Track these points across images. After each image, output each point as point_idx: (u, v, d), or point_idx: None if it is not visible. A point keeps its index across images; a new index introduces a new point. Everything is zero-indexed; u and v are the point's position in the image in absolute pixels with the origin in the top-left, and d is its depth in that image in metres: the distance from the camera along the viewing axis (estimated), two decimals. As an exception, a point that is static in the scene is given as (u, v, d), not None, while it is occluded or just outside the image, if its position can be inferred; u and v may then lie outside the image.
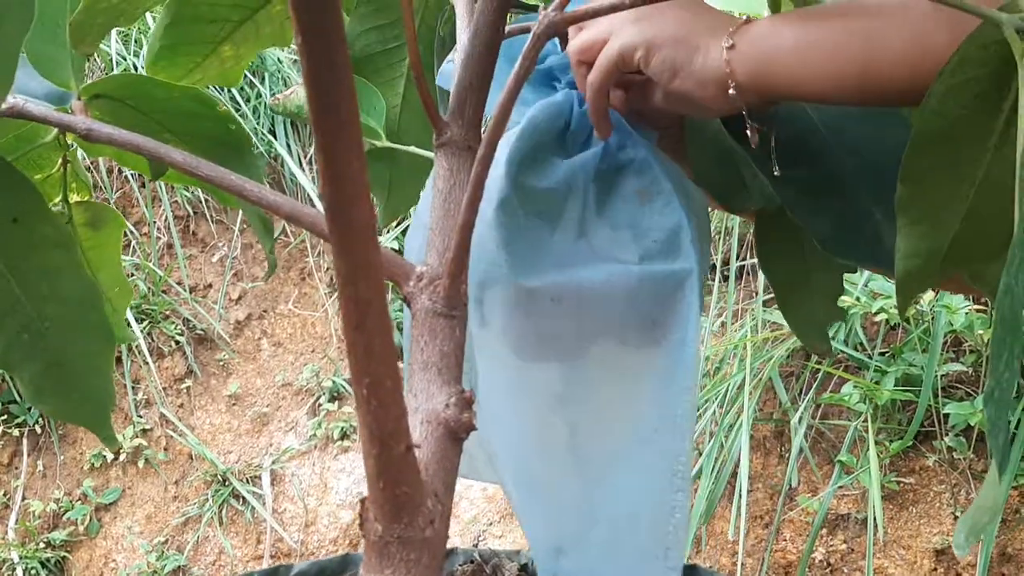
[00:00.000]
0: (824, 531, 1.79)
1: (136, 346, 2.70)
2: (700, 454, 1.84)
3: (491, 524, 2.28)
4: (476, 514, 2.29)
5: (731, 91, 0.57)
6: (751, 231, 1.17)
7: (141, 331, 2.67)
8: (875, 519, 1.62)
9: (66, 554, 2.51)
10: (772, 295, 2.05)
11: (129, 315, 2.65)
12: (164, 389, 2.73)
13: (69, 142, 0.78)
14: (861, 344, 1.87)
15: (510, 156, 0.66)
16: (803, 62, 0.55)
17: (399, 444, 0.47)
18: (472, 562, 0.83)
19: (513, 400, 0.70)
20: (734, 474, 1.82)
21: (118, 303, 0.91)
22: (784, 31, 0.56)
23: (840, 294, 0.75)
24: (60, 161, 0.79)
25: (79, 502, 2.57)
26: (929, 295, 1.68)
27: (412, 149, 0.79)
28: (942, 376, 1.73)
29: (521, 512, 0.72)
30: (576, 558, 0.68)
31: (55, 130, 0.76)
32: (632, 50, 0.60)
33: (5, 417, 2.62)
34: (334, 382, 2.71)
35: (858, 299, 1.75)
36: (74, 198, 0.83)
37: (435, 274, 0.56)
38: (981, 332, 1.67)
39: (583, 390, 0.68)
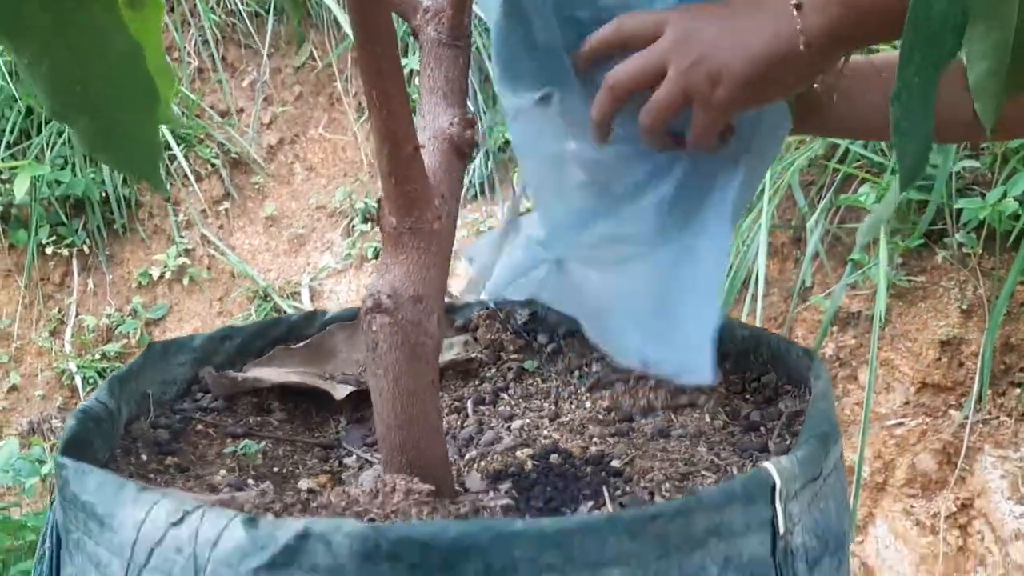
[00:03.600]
0: (835, 328, 1.87)
1: (175, 168, 2.78)
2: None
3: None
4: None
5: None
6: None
7: (180, 153, 2.75)
8: (882, 313, 1.69)
9: (120, 365, 2.67)
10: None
11: (168, 137, 2.72)
12: (203, 211, 2.82)
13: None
14: (881, 150, 1.89)
15: None
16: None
17: (407, 144, 0.53)
18: (488, 308, 0.91)
19: None
20: (747, 279, 1.88)
21: (163, 87, 0.96)
22: None
23: None
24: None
25: (129, 317, 2.72)
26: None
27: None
28: (959, 178, 1.76)
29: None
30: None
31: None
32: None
33: (54, 238, 2.74)
34: (366, 204, 2.78)
35: (877, 100, 1.76)
36: (111, -30, 0.87)
37: (439, 6, 0.61)
38: (999, 131, 1.68)
39: None
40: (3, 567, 2.05)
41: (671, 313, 0.73)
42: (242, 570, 0.43)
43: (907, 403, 1.77)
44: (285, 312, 2.65)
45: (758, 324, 1.84)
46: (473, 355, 0.85)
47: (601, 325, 0.79)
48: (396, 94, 0.53)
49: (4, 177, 2.68)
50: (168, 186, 2.80)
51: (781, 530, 0.47)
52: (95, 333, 2.71)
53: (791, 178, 1.94)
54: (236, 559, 0.43)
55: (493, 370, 0.84)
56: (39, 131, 2.73)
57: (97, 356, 2.66)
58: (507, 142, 2.58)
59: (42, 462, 2.15)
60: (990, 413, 1.70)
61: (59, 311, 2.76)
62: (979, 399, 1.69)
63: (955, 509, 1.69)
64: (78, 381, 2.62)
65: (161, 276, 2.75)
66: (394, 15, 0.57)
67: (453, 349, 0.85)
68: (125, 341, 2.69)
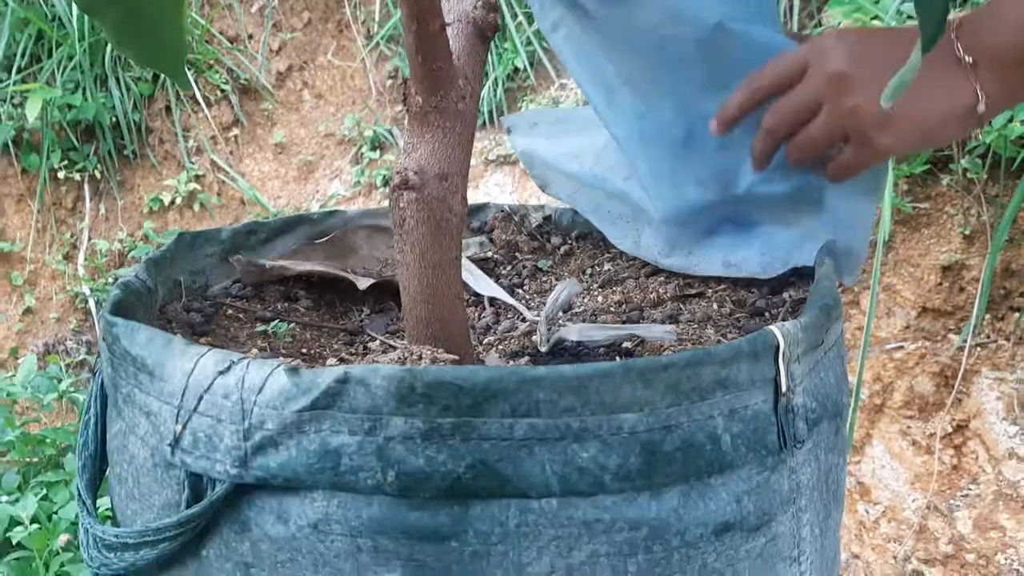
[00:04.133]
0: (839, 254, 1.89)
1: (184, 93, 2.79)
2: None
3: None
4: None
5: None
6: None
7: (190, 78, 2.75)
8: (886, 238, 1.72)
9: (134, 288, 2.71)
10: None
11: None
12: (213, 137, 2.84)
13: None
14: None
15: None
16: None
17: (434, 21, 0.55)
18: (503, 211, 0.94)
19: None
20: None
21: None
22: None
23: None
24: None
25: (141, 242, 2.75)
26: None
27: None
28: (966, 105, 1.77)
29: None
30: None
31: None
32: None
33: (66, 163, 2.76)
34: (375, 132, 2.79)
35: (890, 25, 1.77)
36: None
37: None
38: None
39: None
40: (23, 480, 2.11)
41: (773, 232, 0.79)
42: (286, 412, 0.46)
43: (907, 327, 1.81)
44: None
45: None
46: (489, 254, 0.88)
47: (680, 247, 0.83)
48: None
49: (16, 101, 2.70)
50: (178, 112, 2.81)
51: (783, 388, 0.50)
52: (108, 257, 2.74)
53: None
54: (280, 402, 0.47)
55: (508, 268, 0.87)
56: (50, 55, 2.74)
57: (110, 280, 2.69)
58: (516, 70, 2.58)
59: (59, 380, 2.20)
60: (988, 337, 1.74)
61: (72, 235, 2.80)
62: (978, 323, 1.72)
63: (951, 430, 1.74)
64: (91, 305, 2.67)
65: (172, 202, 2.77)
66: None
67: (469, 248, 0.89)
68: (137, 265, 2.72)
